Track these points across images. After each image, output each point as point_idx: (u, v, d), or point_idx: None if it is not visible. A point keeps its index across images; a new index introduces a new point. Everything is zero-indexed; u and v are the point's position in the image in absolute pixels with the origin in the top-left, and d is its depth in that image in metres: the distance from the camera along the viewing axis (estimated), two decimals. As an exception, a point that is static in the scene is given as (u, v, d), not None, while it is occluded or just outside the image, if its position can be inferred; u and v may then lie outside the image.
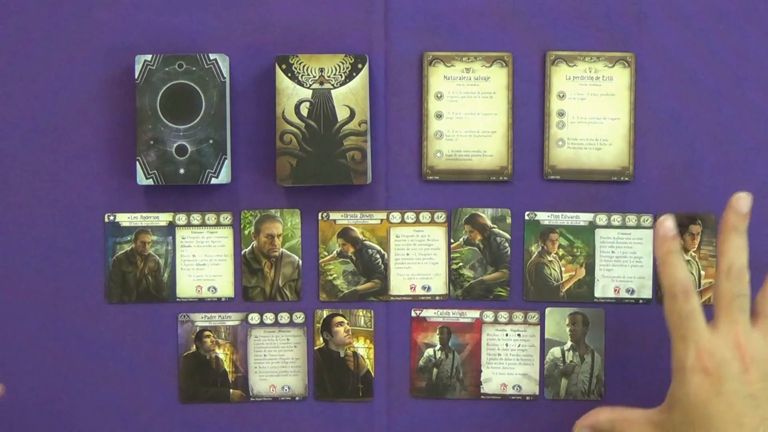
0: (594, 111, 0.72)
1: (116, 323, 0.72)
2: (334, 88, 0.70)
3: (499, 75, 0.72)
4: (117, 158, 0.71)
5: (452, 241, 0.72)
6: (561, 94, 0.72)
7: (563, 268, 0.72)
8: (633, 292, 0.72)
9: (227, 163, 0.69)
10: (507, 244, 0.72)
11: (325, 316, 0.72)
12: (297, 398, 0.72)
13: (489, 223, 0.72)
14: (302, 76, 0.70)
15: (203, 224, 0.72)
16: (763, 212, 0.72)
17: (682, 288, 0.59)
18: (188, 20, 0.71)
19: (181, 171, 0.69)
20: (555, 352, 0.72)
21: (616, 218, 0.72)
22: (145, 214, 0.72)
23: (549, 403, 0.72)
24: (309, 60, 0.70)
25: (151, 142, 0.69)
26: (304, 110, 0.70)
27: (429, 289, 0.72)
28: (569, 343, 0.72)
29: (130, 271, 0.72)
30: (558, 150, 0.72)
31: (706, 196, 0.72)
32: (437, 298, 0.72)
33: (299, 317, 0.72)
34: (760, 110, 0.72)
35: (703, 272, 0.72)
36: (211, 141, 0.69)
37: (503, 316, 0.72)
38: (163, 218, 0.72)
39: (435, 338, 0.72)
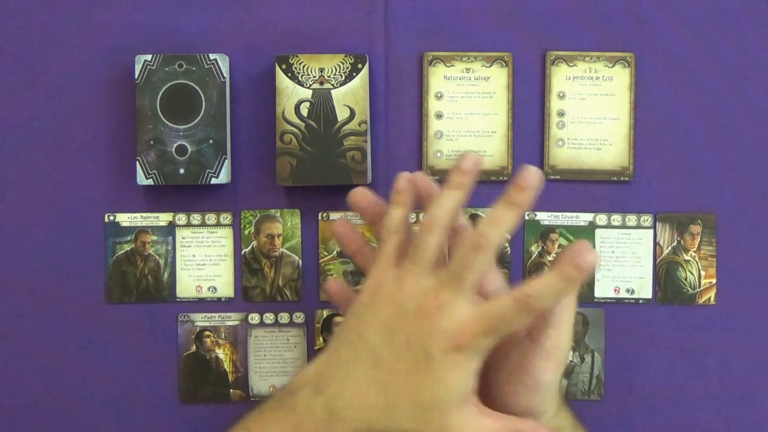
0: (594, 111, 0.71)
1: (116, 323, 0.72)
2: (334, 88, 0.70)
3: (499, 75, 0.72)
4: (117, 158, 0.71)
5: (452, 241, 0.72)
6: (561, 94, 0.72)
7: (563, 268, 0.72)
8: (633, 292, 0.72)
9: (227, 163, 0.69)
10: (507, 244, 0.72)
11: (325, 316, 0.72)
12: (297, 398, 0.72)
13: (489, 223, 0.72)
14: (302, 76, 0.70)
15: (203, 224, 0.72)
16: (764, 212, 0.72)
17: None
18: (188, 20, 0.71)
19: (181, 171, 0.69)
20: (555, 352, 0.72)
21: (616, 218, 0.72)
22: (145, 214, 0.72)
23: (549, 403, 0.72)
24: (309, 60, 0.70)
25: (151, 142, 0.69)
26: (304, 110, 0.69)
27: (429, 289, 0.72)
28: (569, 343, 0.72)
29: (130, 271, 0.72)
30: (558, 150, 0.72)
31: (706, 196, 0.72)
32: (437, 298, 0.72)
33: (299, 317, 0.72)
34: (760, 110, 0.72)
35: (703, 272, 0.72)
36: (211, 141, 0.69)
37: (503, 316, 0.72)
38: (163, 218, 0.72)
39: (435, 338, 0.72)
